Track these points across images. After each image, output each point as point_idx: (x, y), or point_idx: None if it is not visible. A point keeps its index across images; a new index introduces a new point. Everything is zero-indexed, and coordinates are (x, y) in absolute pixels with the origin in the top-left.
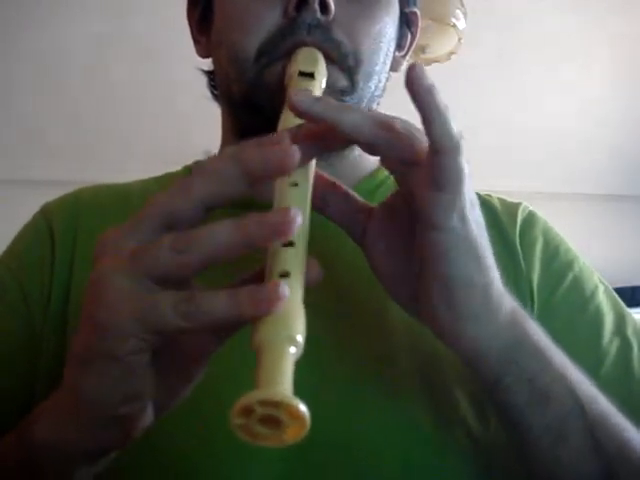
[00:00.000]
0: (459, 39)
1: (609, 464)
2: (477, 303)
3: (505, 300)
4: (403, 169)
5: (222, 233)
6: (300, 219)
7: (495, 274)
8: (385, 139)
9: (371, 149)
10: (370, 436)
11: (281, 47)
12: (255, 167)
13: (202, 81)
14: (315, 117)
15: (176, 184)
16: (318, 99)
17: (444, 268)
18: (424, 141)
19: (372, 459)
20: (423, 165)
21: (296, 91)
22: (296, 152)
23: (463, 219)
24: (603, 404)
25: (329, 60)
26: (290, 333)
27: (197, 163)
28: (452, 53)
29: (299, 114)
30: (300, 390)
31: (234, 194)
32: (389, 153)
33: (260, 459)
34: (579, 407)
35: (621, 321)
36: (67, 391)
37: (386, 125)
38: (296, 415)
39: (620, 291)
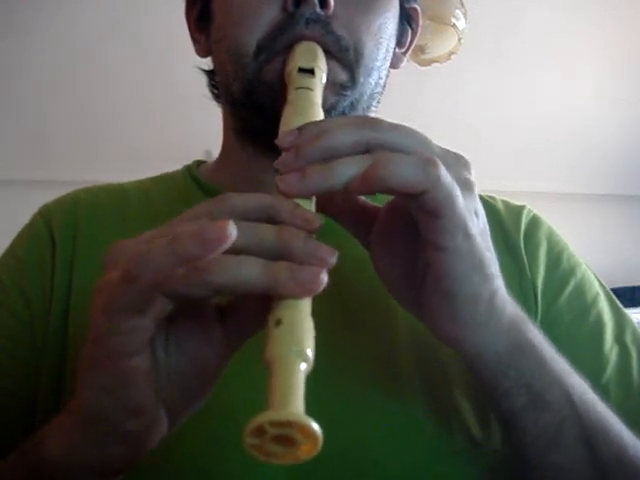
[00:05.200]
0: (459, 39)
1: (605, 472)
2: (482, 313)
3: (507, 306)
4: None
5: (249, 267)
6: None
7: (499, 281)
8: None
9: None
10: (371, 440)
11: (279, 42)
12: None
13: (203, 80)
14: (309, 194)
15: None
16: (301, 176)
17: (450, 285)
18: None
19: (374, 463)
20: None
21: (280, 178)
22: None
23: (467, 235)
24: (602, 412)
25: (329, 54)
26: (300, 348)
27: (197, 163)
28: (452, 53)
29: (292, 196)
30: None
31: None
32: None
33: (267, 465)
34: (575, 414)
35: (621, 328)
36: (75, 409)
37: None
38: (308, 433)
39: (620, 291)
